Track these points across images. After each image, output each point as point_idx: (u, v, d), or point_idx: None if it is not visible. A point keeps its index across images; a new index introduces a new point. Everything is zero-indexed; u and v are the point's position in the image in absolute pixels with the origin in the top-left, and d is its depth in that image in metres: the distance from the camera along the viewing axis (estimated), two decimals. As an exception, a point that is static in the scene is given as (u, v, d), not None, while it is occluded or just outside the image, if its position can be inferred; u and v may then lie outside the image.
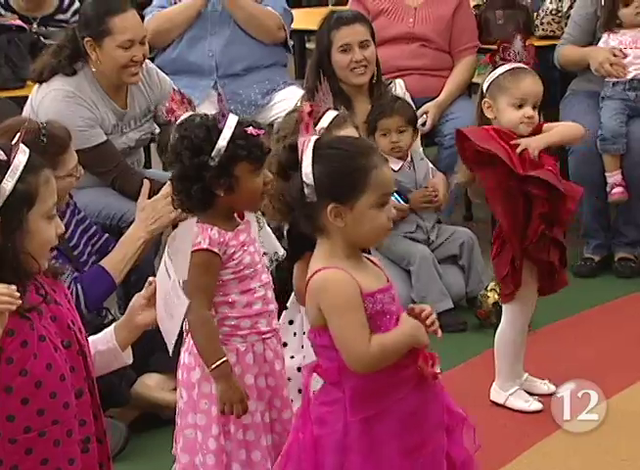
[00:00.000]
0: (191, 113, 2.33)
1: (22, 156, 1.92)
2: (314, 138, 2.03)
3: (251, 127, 2.30)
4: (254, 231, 2.41)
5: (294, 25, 4.49)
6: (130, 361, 2.10)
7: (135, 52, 3.49)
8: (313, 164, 2.00)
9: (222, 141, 2.27)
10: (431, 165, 4.00)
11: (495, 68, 3.08)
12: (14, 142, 1.93)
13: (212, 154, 2.27)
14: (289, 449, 2.09)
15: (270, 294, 2.38)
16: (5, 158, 1.91)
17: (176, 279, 2.02)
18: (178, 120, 2.31)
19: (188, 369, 2.37)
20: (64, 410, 1.95)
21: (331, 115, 2.46)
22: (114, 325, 2.10)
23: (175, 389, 3.20)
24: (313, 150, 2.01)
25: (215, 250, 2.30)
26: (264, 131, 2.36)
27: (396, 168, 3.79)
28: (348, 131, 2.49)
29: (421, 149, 4.02)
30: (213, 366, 2.29)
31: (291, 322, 2.64)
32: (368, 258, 2.10)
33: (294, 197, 2.05)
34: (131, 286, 3.67)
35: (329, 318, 2.00)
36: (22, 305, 1.90)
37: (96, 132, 3.52)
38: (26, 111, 3.56)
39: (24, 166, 1.91)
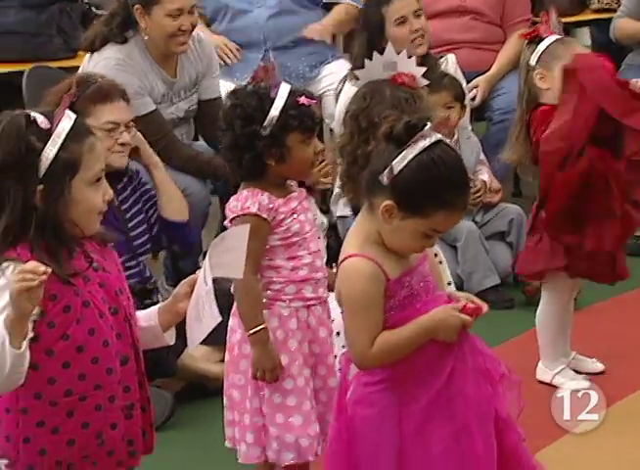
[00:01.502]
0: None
1: (65, 123, 1.92)
2: (438, 139, 1.95)
3: (303, 97, 2.28)
4: (310, 200, 2.40)
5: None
6: (172, 342, 2.09)
7: (183, 21, 3.49)
8: (413, 160, 1.94)
9: (274, 110, 2.27)
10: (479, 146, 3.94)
11: (539, 41, 3.07)
12: (57, 110, 1.93)
13: (264, 123, 2.26)
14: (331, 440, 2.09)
15: (319, 263, 2.37)
16: (48, 125, 1.91)
17: (212, 289, 1.97)
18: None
19: (232, 331, 2.40)
20: (106, 376, 1.96)
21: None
22: (158, 306, 2.10)
23: (222, 360, 3.22)
24: (425, 149, 1.94)
25: (264, 215, 2.30)
26: (316, 101, 2.34)
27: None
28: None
29: (469, 127, 3.96)
30: (252, 331, 2.30)
31: None
32: None
33: (374, 162, 1.99)
34: (178, 257, 3.69)
35: (343, 308, 2.00)
36: (65, 271, 1.91)
37: (145, 101, 3.52)
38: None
39: (68, 134, 1.91)
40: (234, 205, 2.34)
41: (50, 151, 1.90)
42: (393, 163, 1.95)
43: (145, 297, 3.09)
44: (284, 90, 2.28)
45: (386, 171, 1.96)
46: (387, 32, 3.79)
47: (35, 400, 1.93)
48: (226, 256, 1.99)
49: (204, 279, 2.01)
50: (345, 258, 2.01)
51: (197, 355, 3.20)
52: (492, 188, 3.91)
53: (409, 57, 2.42)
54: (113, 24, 3.52)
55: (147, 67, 3.54)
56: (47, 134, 1.91)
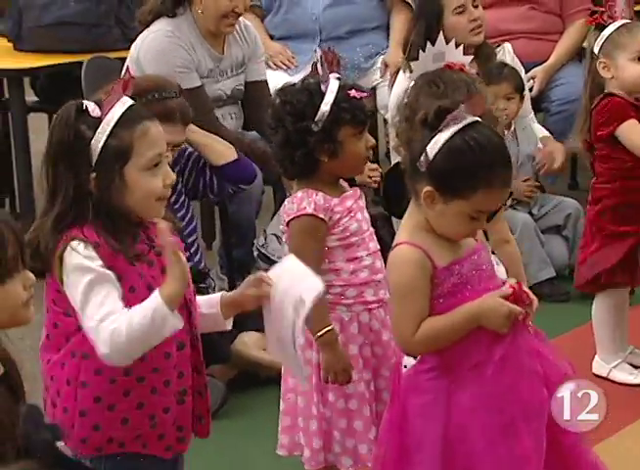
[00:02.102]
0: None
1: (116, 110, 1.93)
2: (470, 120, 1.95)
3: (353, 90, 2.26)
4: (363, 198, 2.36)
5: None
6: (230, 327, 2.10)
7: (238, 3, 3.53)
8: (446, 144, 1.94)
9: (325, 105, 2.25)
10: (544, 133, 3.88)
11: (603, 27, 3.00)
12: (107, 97, 1.93)
13: (316, 118, 2.24)
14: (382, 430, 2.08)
15: (379, 263, 2.33)
16: (99, 114, 1.92)
17: (297, 331, 1.94)
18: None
19: None
20: (164, 360, 1.98)
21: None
22: (221, 294, 2.10)
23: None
24: (458, 131, 1.94)
25: (321, 215, 2.27)
26: (367, 94, 2.31)
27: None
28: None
29: (531, 114, 3.91)
30: (319, 334, 2.27)
31: None
32: None
33: (412, 151, 2.00)
34: (232, 246, 3.70)
35: (390, 294, 2.01)
36: (129, 253, 1.93)
37: (191, 76, 3.53)
38: (130, 57, 3.59)
39: (118, 121, 1.92)
40: (289, 207, 2.31)
41: (99, 138, 1.91)
42: (428, 148, 1.95)
43: (199, 281, 3.11)
44: (334, 85, 2.26)
45: (422, 157, 1.96)
46: (445, 21, 3.74)
47: (95, 376, 1.96)
48: (299, 284, 1.97)
49: (282, 315, 1.95)
50: (394, 246, 2.01)
51: (249, 342, 3.20)
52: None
53: (463, 46, 2.38)
54: (164, 4, 3.56)
55: (195, 41, 3.57)
56: (98, 122, 1.92)
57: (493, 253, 2.64)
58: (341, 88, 2.26)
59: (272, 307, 1.99)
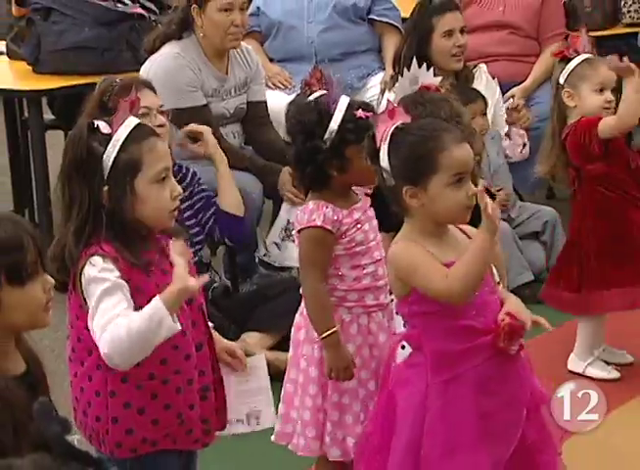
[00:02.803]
0: (324, 91, 2.30)
1: (125, 127, 1.95)
2: (395, 125, 2.02)
3: (360, 110, 2.27)
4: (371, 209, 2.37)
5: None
6: None
7: (235, 16, 3.57)
8: (389, 151, 2.00)
9: (333, 125, 2.26)
10: (505, 144, 3.90)
11: (569, 60, 3.07)
12: (115, 116, 1.96)
13: (324, 137, 2.26)
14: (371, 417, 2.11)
15: (381, 271, 2.34)
16: (109, 130, 1.95)
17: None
18: (312, 96, 2.30)
19: (297, 328, 2.40)
20: (185, 361, 2.00)
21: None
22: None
23: (273, 347, 3.25)
24: (391, 136, 2.01)
25: (329, 227, 2.28)
26: (373, 113, 2.32)
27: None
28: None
29: (505, 129, 3.94)
30: (323, 335, 2.29)
31: None
32: (461, 229, 2.09)
33: (380, 181, 2.06)
34: (236, 253, 3.73)
35: (409, 280, 2.01)
36: (142, 263, 1.94)
37: (197, 95, 3.57)
38: (140, 77, 3.62)
39: (127, 137, 1.94)
40: (300, 217, 2.32)
41: (111, 153, 1.94)
42: (382, 164, 2.01)
43: (202, 271, 3.12)
44: (342, 104, 2.28)
45: (385, 176, 2.02)
46: (432, 42, 3.77)
47: (122, 384, 1.97)
48: (261, 400, 2.16)
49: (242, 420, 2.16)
50: (391, 249, 2.04)
51: (250, 342, 3.23)
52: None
53: (445, 70, 2.42)
54: (171, 26, 3.62)
55: (200, 62, 3.61)
56: (108, 139, 1.95)
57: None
58: (349, 107, 2.28)
59: (235, 388, 2.14)
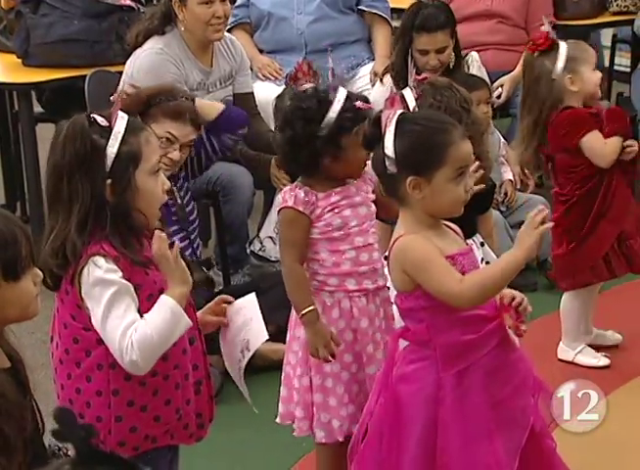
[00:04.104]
0: (312, 85, 2.30)
1: (121, 121, 1.93)
2: (399, 112, 2.00)
3: (359, 101, 2.27)
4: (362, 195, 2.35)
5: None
6: None
7: (216, 8, 3.54)
8: (395, 138, 1.97)
9: (332, 113, 2.27)
10: (502, 141, 3.90)
11: (549, 51, 3.04)
12: (112, 110, 1.94)
13: (322, 124, 2.27)
14: (367, 416, 2.09)
15: (365, 257, 2.33)
16: (107, 124, 1.94)
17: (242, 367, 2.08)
18: (299, 88, 2.30)
19: (293, 312, 2.40)
20: (182, 356, 1.99)
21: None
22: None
23: (268, 339, 3.23)
24: (396, 124, 1.98)
25: (300, 208, 2.30)
26: (372, 105, 2.31)
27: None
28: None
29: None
30: (302, 313, 2.31)
31: None
32: (448, 226, 2.08)
33: (377, 168, 2.03)
34: (227, 244, 3.71)
35: (416, 275, 1.98)
36: (140, 261, 1.92)
37: None
38: (125, 73, 3.61)
39: (125, 130, 1.93)
40: (279, 197, 2.38)
41: (113, 146, 1.92)
42: (385, 151, 1.98)
43: (208, 268, 3.10)
44: (341, 94, 2.29)
45: (387, 163, 1.97)
46: (413, 51, 3.75)
47: (125, 382, 1.95)
48: (250, 329, 2.11)
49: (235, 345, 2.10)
50: (396, 240, 2.01)
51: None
52: (523, 182, 3.90)
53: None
54: (153, 21, 3.59)
55: (183, 56, 3.59)
56: (107, 132, 1.93)
57: (482, 244, 2.68)
58: (347, 98, 2.28)
59: (227, 337, 2.12)
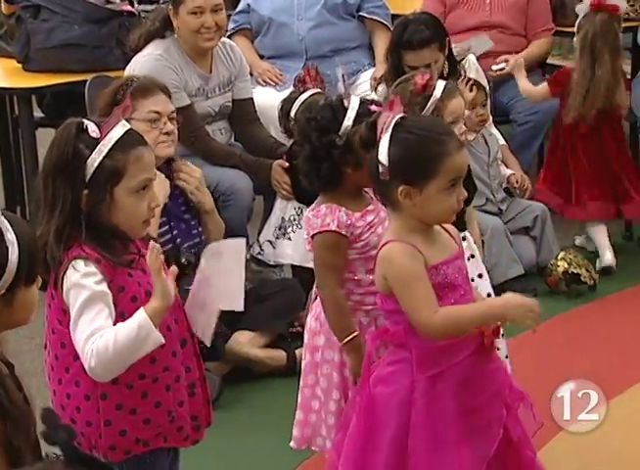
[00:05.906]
0: (318, 90, 2.29)
1: (115, 132, 1.91)
2: (397, 118, 1.97)
3: (373, 105, 2.25)
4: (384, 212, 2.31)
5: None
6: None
7: (206, 19, 3.51)
8: (390, 146, 1.95)
9: (348, 120, 2.25)
10: (501, 140, 3.89)
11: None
12: (107, 120, 1.92)
13: (340, 132, 2.24)
14: (346, 415, 2.08)
15: None
16: (98, 134, 1.91)
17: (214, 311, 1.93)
18: (305, 94, 2.28)
19: (313, 333, 2.35)
20: (172, 358, 1.97)
21: (441, 84, 2.40)
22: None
23: (266, 345, 3.22)
24: (392, 131, 1.96)
25: (343, 232, 2.25)
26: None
27: (471, 138, 3.72)
28: (457, 101, 2.48)
29: (491, 119, 3.92)
30: (345, 341, 2.26)
31: None
32: (444, 227, 2.05)
33: (370, 171, 2.01)
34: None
35: (395, 290, 1.97)
36: (122, 262, 1.92)
37: (180, 95, 3.51)
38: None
39: (116, 143, 1.90)
40: (314, 221, 2.28)
41: (95, 159, 1.90)
42: (379, 157, 1.95)
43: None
44: (354, 101, 2.27)
45: (380, 169, 1.95)
46: (403, 65, 3.65)
47: (113, 385, 1.93)
48: (225, 281, 1.95)
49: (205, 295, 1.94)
50: (384, 244, 1.99)
51: (243, 341, 3.19)
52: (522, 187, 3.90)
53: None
54: (154, 26, 3.58)
55: (182, 62, 3.57)
56: (96, 143, 1.91)
57: (472, 256, 2.66)
58: (361, 104, 2.27)
59: (203, 279, 1.96)
